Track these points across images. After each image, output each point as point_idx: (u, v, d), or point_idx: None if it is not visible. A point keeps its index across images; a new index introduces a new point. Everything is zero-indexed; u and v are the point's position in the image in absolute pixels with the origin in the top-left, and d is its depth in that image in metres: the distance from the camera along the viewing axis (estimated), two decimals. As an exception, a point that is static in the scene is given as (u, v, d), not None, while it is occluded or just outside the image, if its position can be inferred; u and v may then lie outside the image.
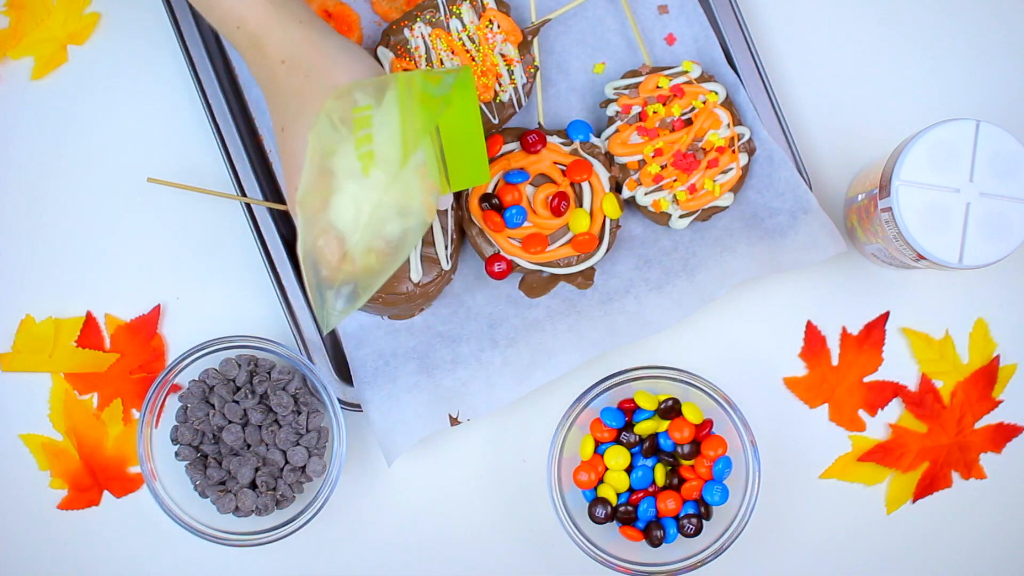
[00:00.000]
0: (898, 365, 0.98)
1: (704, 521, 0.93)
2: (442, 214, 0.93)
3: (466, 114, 0.81)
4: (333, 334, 0.96)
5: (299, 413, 0.93)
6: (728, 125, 0.93)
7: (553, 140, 0.94)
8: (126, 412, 0.97)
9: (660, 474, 0.93)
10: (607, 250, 0.94)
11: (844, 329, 0.98)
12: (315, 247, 0.78)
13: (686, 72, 0.94)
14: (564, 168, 0.94)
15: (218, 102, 0.95)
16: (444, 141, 0.81)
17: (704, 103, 0.93)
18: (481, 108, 0.94)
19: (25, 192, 0.98)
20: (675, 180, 0.93)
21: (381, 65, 0.92)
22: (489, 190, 0.93)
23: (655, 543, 0.92)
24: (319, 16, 0.85)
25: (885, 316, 0.98)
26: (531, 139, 0.93)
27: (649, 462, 0.94)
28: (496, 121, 0.94)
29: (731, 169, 0.93)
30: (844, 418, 0.97)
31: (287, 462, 0.93)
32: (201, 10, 0.84)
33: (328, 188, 0.77)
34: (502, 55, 0.94)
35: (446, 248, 0.93)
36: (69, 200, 0.98)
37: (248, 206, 0.95)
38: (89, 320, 0.98)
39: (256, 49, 0.82)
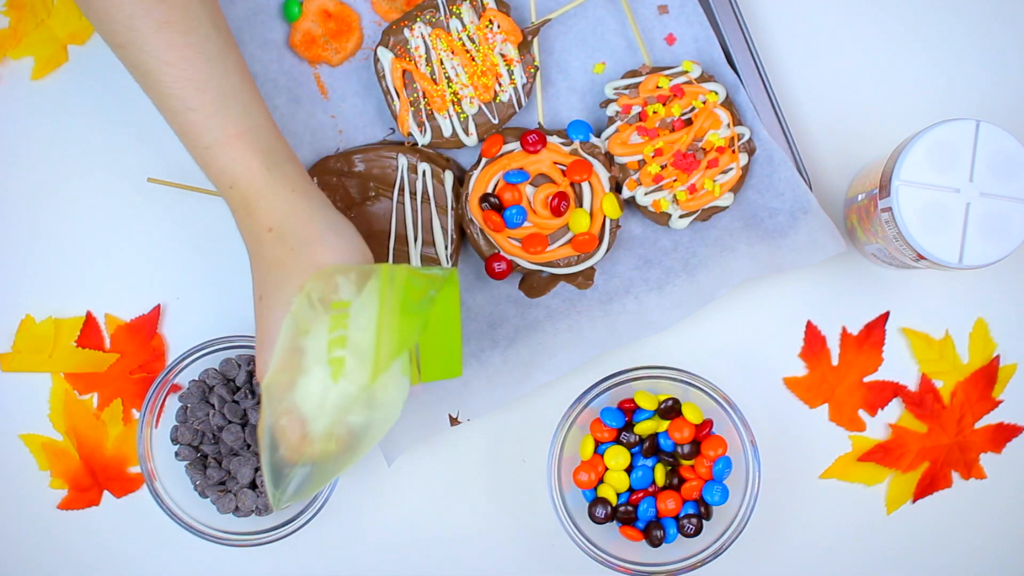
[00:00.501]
0: (898, 365, 0.98)
1: (704, 521, 0.93)
2: (442, 214, 0.93)
3: (447, 311, 0.80)
4: (333, 334, 0.96)
5: (299, 413, 0.93)
6: (728, 125, 0.93)
7: (553, 140, 0.94)
8: (126, 412, 0.97)
9: (660, 474, 0.93)
10: (607, 250, 0.94)
11: (844, 329, 0.98)
12: (276, 425, 0.77)
13: (686, 72, 0.94)
14: (564, 168, 0.94)
15: (218, 102, 0.95)
16: (422, 339, 0.80)
17: (704, 103, 0.93)
18: (482, 109, 0.94)
19: (25, 192, 0.98)
20: (675, 180, 0.93)
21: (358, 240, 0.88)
22: (489, 190, 0.93)
23: (655, 543, 0.92)
24: (312, 183, 0.84)
25: (885, 316, 0.98)
26: (531, 139, 0.93)
27: (649, 462, 0.94)
28: (496, 121, 0.94)
29: (731, 169, 0.93)
30: (844, 418, 0.97)
31: (287, 462, 0.93)
32: (198, 164, 0.82)
33: (297, 368, 0.76)
34: (502, 55, 0.94)
35: (446, 248, 0.93)
36: (69, 200, 0.98)
37: (248, 206, 0.95)
38: (89, 320, 0.98)
39: (246, 211, 0.81)
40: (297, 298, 0.77)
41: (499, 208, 0.93)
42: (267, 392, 0.77)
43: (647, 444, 0.93)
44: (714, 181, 0.93)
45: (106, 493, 0.98)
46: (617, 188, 0.94)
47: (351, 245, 0.81)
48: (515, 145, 0.94)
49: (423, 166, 0.93)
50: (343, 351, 0.76)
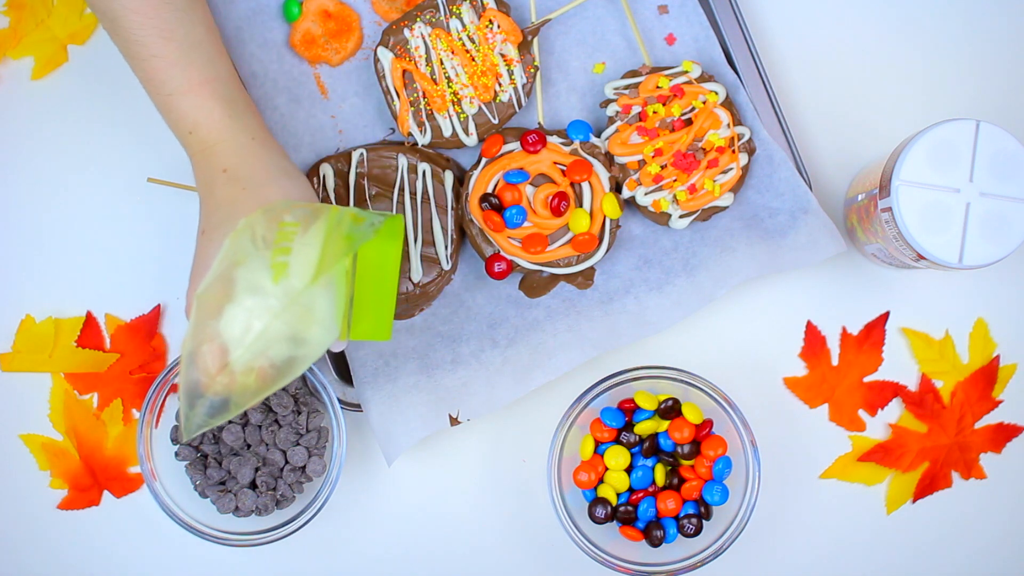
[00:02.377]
0: (898, 365, 0.98)
1: (704, 521, 0.93)
2: (442, 214, 0.93)
3: (384, 267, 0.82)
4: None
5: (299, 413, 0.93)
6: (728, 125, 0.93)
7: (553, 140, 0.94)
8: (126, 412, 0.97)
9: (660, 474, 0.93)
10: (607, 250, 0.94)
11: (844, 329, 0.98)
12: (197, 351, 0.77)
13: (686, 72, 0.94)
14: (564, 168, 0.94)
15: (218, 102, 0.95)
16: (357, 287, 0.81)
17: (704, 103, 0.93)
18: (482, 109, 0.94)
19: (25, 192, 0.98)
20: (675, 180, 0.93)
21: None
22: (489, 190, 0.93)
23: (655, 543, 0.92)
24: (271, 135, 0.86)
25: (885, 316, 0.98)
26: (531, 139, 0.93)
27: (649, 462, 0.94)
28: (496, 121, 0.94)
29: (731, 169, 0.93)
30: (844, 418, 0.97)
31: (287, 462, 0.93)
32: (159, 110, 0.84)
33: (225, 296, 0.77)
34: (502, 55, 0.94)
35: (446, 248, 0.93)
36: (69, 200, 0.98)
37: (248, 206, 0.95)
38: (89, 320, 0.98)
39: (203, 155, 0.83)
40: (241, 223, 0.77)
41: (499, 208, 0.93)
42: (199, 302, 0.77)
43: (647, 444, 0.93)
44: (714, 181, 0.93)
45: (106, 493, 0.98)
46: (617, 188, 0.94)
47: (302, 192, 0.83)
48: (515, 145, 0.94)
49: (423, 166, 0.93)
50: (287, 258, 0.76)
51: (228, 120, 0.83)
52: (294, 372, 0.78)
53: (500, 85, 0.94)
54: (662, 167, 0.93)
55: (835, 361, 0.98)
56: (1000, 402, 0.98)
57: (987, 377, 0.97)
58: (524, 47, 0.94)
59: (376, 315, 0.84)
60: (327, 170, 0.94)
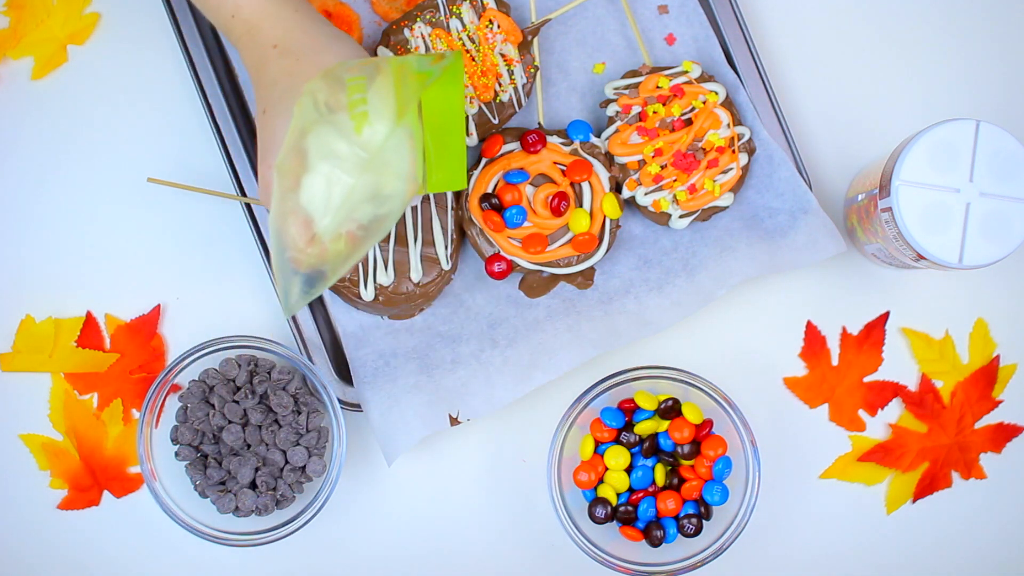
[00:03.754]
0: (898, 365, 0.98)
1: (704, 521, 0.93)
2: (442, 214, 0.93)
3: (450, 111, 0.80)
4: (333, 334, 0.96)
5: (299, 413, 0.93)
6: (728, 125, 0.93)
7: (553, 140, 0.94)
8: (126, 412, 0.97)
9: (660, 474, 0.93)
10: (607, 250, 0.94)
11: (844, 329, 0.98)
12: (284, 226, 0.76)
13: (686, 72, 0.94)
14: (564, 168, 0.94)
15: (218, 102, 0.95)
16: (426, 140, 0.80)
17: (704, 103, 0.93)
18: (482, 109, 0.94)
19: (25, 192, 0.98)
20: (675, 180, 0.93)
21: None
22: (489, 190, 0.93)
23: (655, 543, 0.92)
24: (311, 6, 0.84)
25: (885, 316, 0.98)
26: (531, 139, 0.93)
27: (649, 462, 0.94)
28: (496, 121, 0.94)
29: (731, 169, 0.93)
30: (844, 418, 0.97)
31: (287, 462, 0.93)
32: (197, 3, 0.83)
33: (301, 167, 0.76)
34: (502, 55, 0.94)
35: (446, 248, 0.93)
36: (69, 200, 0.98)
37: (248, 206, 0.95)
38: (89, 320, 0.98)
39: (249, 36, 0.82)
40: (304, 91, 0.76)
41: (499, 208, 0.93)
42: (280, 173, 0.75)
43: (647, 444, 0.93)
44: (714, 181, 0.93)
45: (106, 493, 0.98)
46: (617, 188, 0.94)
47: (355, 53, 0.82)
48: (515, 145, 0.94)
49: (423, 166, 0.93)
50: (366, 107, 0.75)
51: None
52: (383, 230, 0.77)
53: (500, 85, 0.94)
54: (662, 167, 0.93)
55: (835, 361, 0.98)
56: (1000, 402, 0.98)
57: (987, 377, 0.97)
58: (524, 47, 0.94)
59: (449, 163, 0.81)
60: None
